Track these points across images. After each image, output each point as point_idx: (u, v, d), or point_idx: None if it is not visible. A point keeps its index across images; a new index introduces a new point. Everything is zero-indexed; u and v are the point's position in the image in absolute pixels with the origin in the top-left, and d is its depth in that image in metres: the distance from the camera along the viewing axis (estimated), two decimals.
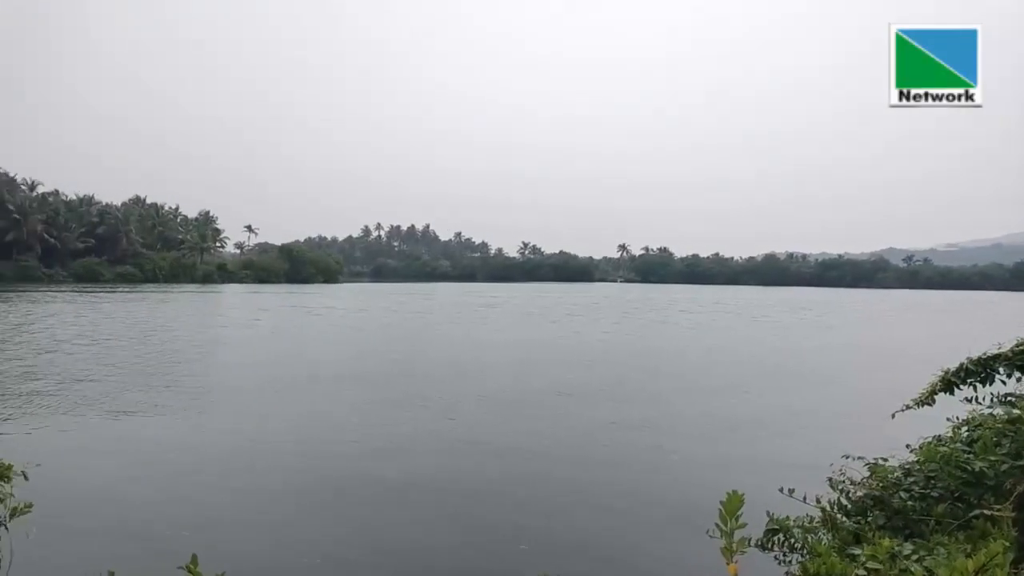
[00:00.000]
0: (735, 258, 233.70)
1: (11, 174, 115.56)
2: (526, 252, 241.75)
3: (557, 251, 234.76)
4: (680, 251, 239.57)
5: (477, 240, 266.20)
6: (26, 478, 3.98)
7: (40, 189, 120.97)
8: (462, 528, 8.85)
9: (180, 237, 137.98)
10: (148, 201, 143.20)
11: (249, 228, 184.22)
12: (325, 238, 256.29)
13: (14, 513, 3.98)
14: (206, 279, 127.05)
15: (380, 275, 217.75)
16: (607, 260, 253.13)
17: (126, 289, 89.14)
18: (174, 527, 8.61)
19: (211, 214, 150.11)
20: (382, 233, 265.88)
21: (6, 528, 3.95)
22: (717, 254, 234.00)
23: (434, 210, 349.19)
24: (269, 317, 48.47)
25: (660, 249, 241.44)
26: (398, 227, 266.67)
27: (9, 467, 3.85)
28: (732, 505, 2.35)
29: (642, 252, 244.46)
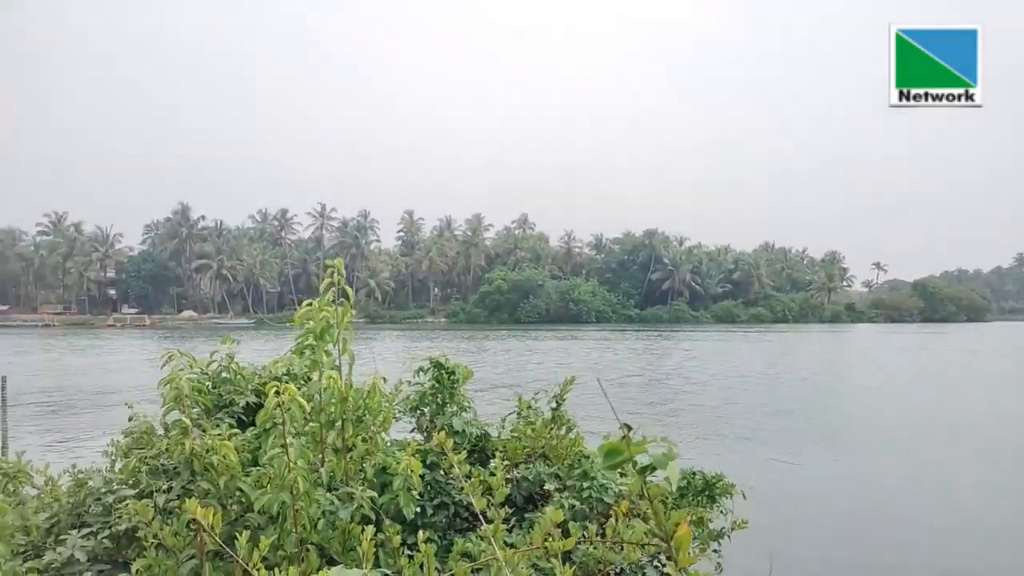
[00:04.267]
0: None
1: (662, 231, 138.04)
2: None
3: None
4: None
5: None
6: (744, 497, 4.40)
7: (687, 243, 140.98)
8: None
9: (807, 278, 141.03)
10: (776, 246, 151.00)
11: (877, 265, 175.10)
12: (966, 271, 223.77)
13: (734, 527, 4.42)
14: (834, 319, 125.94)
15: None
16: None
17: (760, 329, 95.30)
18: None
19: (837, 254, 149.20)
20: None
21: (728, 538, 4.42)
22: None
23: None
24: (926, 359, 44.55)
25: None
26: None
27: (732, 485, 4.32)
28: None
29: None
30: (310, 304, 3.23)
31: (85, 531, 3.56)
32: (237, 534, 2.54)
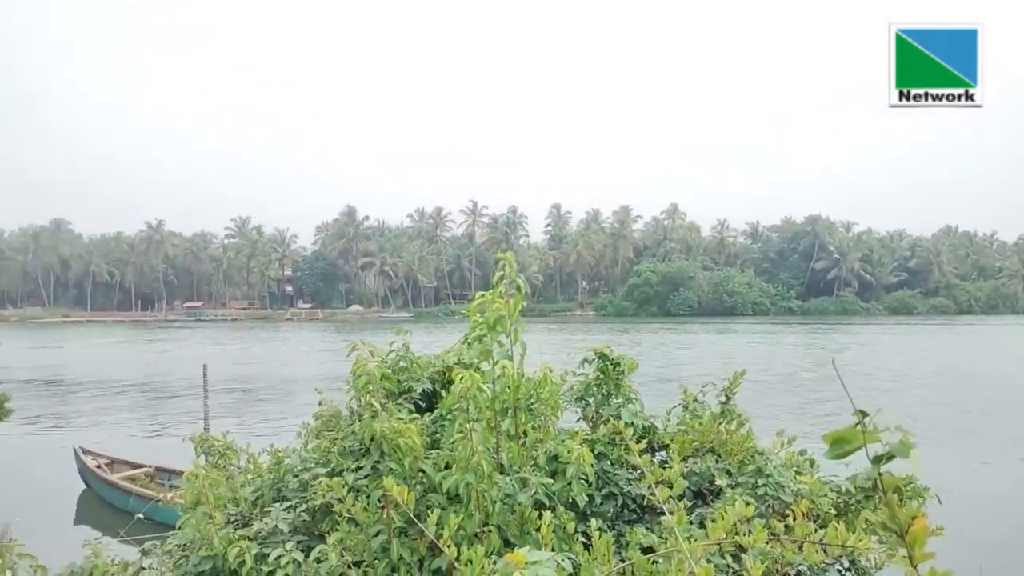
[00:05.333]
0: None
1: (827, 217, 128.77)
2: None
3: None
4: None
5: None
6: (940, 501, 4.03)
7: (855, 229, 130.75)
8: None
9: (997, 265, 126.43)
10: (959, 230, 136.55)
11: None
12: None
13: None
14: None
15: None
16: None
17: (941, 321, 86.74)
18: None
19: None
20: None
21: None
22: None
23: None
24: None
25: None
26: None
27: (925, 489, 3.97)
28: None
29: None
30: (483, 296, 3.34)
31: (285, 504, 3.93)
32: (428, 512, 2.70)
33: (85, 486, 14.78)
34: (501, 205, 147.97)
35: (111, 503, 13.71)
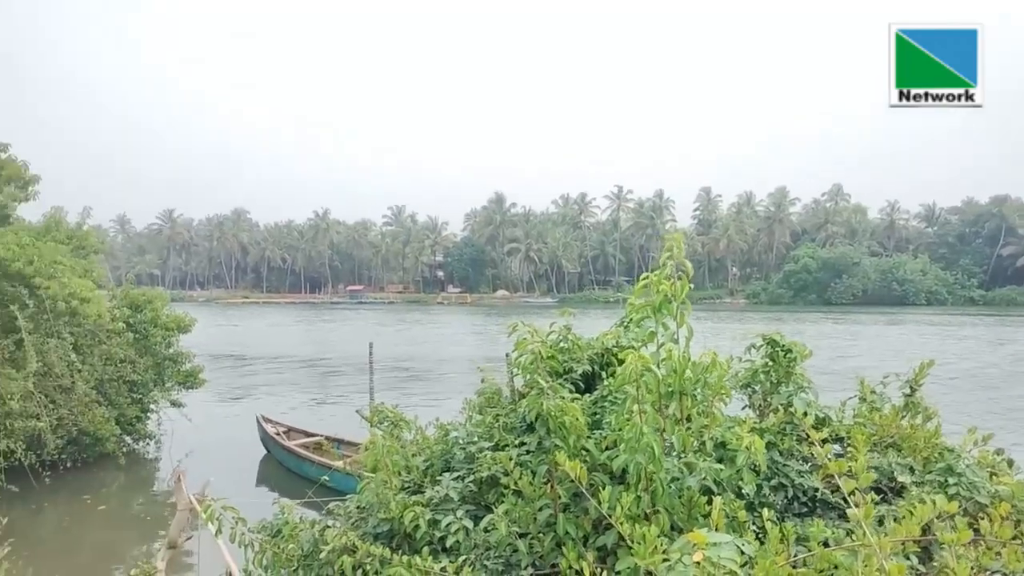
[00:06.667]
0: None
1: (1017, 197, 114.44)
2: None
3: None
4: None
5: None
6: None
7: None
8: None
9: None
10: None
11: None
12: None
13: None
14: None
15: None
16: None
17: None
18: None
19: None
20: None
21: None
22: None
23: None
24: None
25: None
26: None
27: None
28: None
29: None
30: (647, 276, 3.32)
31: (454, 475, 4.14)
32: (599, 488, 2.74)
33: (266, 451, 16.28)
34: (647, 189, 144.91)
35: (288, 468, 15.02)
